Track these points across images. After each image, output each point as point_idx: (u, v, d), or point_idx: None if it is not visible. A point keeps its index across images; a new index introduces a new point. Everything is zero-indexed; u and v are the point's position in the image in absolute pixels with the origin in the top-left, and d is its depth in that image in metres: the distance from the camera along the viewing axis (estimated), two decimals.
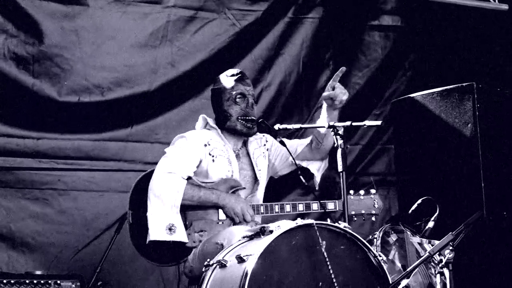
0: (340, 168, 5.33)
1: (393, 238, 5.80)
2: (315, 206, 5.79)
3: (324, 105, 5.84)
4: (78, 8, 7.01)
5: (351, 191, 5.89)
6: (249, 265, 4.52)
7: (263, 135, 6.12)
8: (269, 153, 6.06)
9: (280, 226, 4.77)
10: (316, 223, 4.74)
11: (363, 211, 5.92)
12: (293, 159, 5.78)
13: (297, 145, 6.09)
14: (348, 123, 5.49)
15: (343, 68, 5.77)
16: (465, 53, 8.06)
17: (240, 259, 4.64)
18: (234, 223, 5.64)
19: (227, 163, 5.77)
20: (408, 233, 5.77)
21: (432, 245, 5.36)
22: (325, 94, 5.78)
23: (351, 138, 7.82)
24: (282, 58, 7.83)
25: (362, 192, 5.95)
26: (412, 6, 8.14)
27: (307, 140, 6.10)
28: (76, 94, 7.03)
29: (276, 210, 5.74)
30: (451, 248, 4.83)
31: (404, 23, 8.24)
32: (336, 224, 4.83)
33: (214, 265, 4.85)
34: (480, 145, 6.34)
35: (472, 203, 6.23)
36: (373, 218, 5.98)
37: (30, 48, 6.86)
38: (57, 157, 6.98)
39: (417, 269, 5.08)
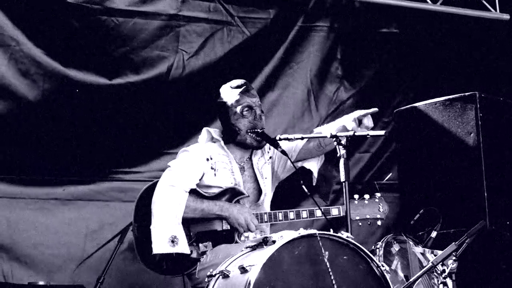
0: (342, 178, 5.32)
1: (395, 248, 5.79)
2: (318, 213, 5.74)
3: (345, 119, 5.80)
4: None
5: (356, 196, 5.84)
6: (252, 275, 4.52)
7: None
8: (272, 161, 6.04)
9: (283, 236, 4.78)
10: (319, 233, 4.74)
11: (368, 216, 5.86)
12: (298, 172, 5.72)
13: (293, 147, 6.02)
14: (351, 133, 5.48)
15: (376, 109, 5.73)
16: (468, 63, 8.06)
17: (243, 269, 4.63)
18: (239, 233, 5.63)
19: (230, 175, 5.77)
20: (411, 243, 5.76)
21: (435, 255, 5.35)
22: (358, 114, 5.76)
23: (361, 146, 7.84)
24: (291, 67, 7.85)
25: (366, 196, 5.91)
26: (415, 15, 8.12)
27: (304, 140, 6.03)
28: None
29: (280, 218, 5.71)
30: (454, 258, 4.83)
31: (408, 32, 8.23)
32: (339, 234, 4.82)
33: (217, 275, 4.84)
34: (483, 155, 6.30)
35: (475, 213, 6.21)
36: (379, 223, 5.92)
37: None
38: (62, 167, 6.98)
39: (420, 279, 5.07)
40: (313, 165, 6.03)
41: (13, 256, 6.77)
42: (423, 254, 5.66)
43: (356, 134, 5.47)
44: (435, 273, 5.29)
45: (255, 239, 5.00)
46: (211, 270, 4.95)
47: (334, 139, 5.46)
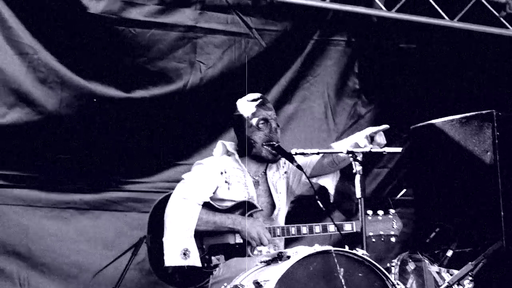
0: (358, 195, 5.28)
1: (411, 266, 5.75)
2: (332, 228, 5.69)
3: (357, 136, 5.73)
4: None
5: (369, 212, 5.79)
6: None
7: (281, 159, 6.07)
8: (287, 176, 6.01)
9: (298, 252, 4.74)
10: (334, 250, 4.72)
11: (381, 232, 5.81)
12: (312, 187, 5.66)
13: (309, 162, 5.98)
14: (367, 149, 5.44)
15: (387, 126, 5.67)
16: (485, 80, 8.04)
17: (258, 285, 4.61)
18: (252, 247, 5.61)
19: (244, 189, 5.74)
20: (426, 261, 5.72)
21: (451, 275, 5.34)
22: (370, 131, 5.67)
23: (379, 161, 7.84)
24: (308, 80, 7.85)
25: (380, 212, 5.86)
26: (433, 31, 8.11)
27: (319, 156, 5.95)
28: None
29: (293, 232, 5.68)
30: (470, 278, 4.80)
31: (426, 48, 8.22)
32: (354, 251, 4.79)
33: None
34: (499, 173, 6.30)
35: (492, 232, 6.18)
36: (393, 239, 5.86)
37: None
38: (78, 176, 7.01)
39: None
40: (328, 182, 6.00)
41: (30, 264, 6.77)
42: (438, 273, 5.62)
43: (372, 150, 5.42)
44: None
45: (270, 254, 4.97)
46: (225, 284, 4.93)
47: (350, 155, 5.41)
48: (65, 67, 6.93)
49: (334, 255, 4.70)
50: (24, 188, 6.83)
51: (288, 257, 4.72)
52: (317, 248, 4.73)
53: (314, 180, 5.91)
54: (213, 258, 5.52)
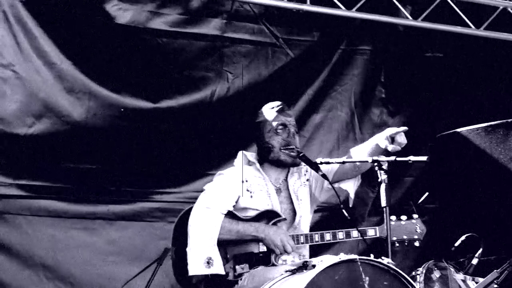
0: (383, 203, 5.29)
1: (436, 274, 5.76)
2: (355, 233, 5.68)
3: (378, 138, 5.77)
4: None
5: (393, 217, 5.77)
6: None
7: (304, 165, 6.09)
8: (309, 183, 6.03)
9: (323, 261, 4.77)
10: (360, 259, 4.73)
11: (404, 237, 5.78)
12: (337, 195, 5.69)
13: (330, 168, 5.96)
14: (392, 158, 5.45)
15: (406, 128, 5.69)
16: (510, 89, 8.03)
17: None
18: (276, 255, 5.64)
19: (267, 197, 5.76)
20: (452, 269, 5.73)
21: (476, 283, 5.34)
22: (390, 132, 5.71)
23: (409, 169, 7.87)
24: (335, 89, 7.89)
25: (403, 217, 5.85)
26: (460, 40, 8.12)
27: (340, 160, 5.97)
28: None
29: (316, 239, 5.68)
30: (496, 286, 4.80)
31: (452, 56, 8.23)
32: (380, 260, 4.82)
33: None
34: None
35: None
36: (416, 244, 5.85)
37: None
38: (105, 187, 7.07)
39: None
40: (350, 186, 6.02)
41: (58, 276, 6.83)
42: (464, 281, 5.63)
43: (397, 159, 5.44)
44: None
45: (295, 263, 5.00)
46: None
47: (376, 164, 5.43)
48: (90, 79, 6.99)
49: (359, 263, 4.71)
50: (52, 199, 6.89)
51: (313, 266, 4.75)
52: (342, 256, 4.76)
53: (336, 185, 5.94)
54: (237, 267, 5.54)
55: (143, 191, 7.19)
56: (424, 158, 5.54)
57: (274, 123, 5.79)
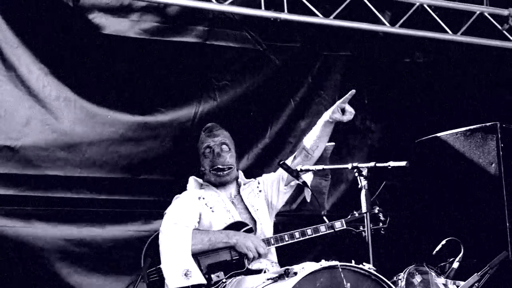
0: (364, 209, 5.33)
1: (417, 279, 5.77)
2: (323, 228, 5.85)
3: (323, 120, 5.98)
4: None
5: (355, 212, 5.94)
6: None
7: (255, 179, 6.20)
8: (264, 193, 6.13)
9: (305, 268, 4.79)
10: (341, 265, 4.76)
11: (371, 225, 5.86)
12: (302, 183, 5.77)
13: (281, 171, 6.09)
14: (372, 164, 5.48)
15: (353, 91, 5.86)
16: (489, 93, 8.08)
17: None
18: (248, 259, 5.68)
19: (226, 211, 5.87)
20: (433, 274, 5.74)
21: (457, 286, 5.36)
22: (339, 103, 5.93)
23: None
24: (319, 94, 7.92)
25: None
26: (438, 46, 8.17)
27: (289, 159, 6.14)
28: None
29: (286, 239, 5.81)
30: None
31: (432, 62, 8.28)
32: (361, 266, 4.84)
33: None
34: (504, 185, 6.35)
35: (497, 243, 6.22)
36: (382, 232, 5.96)
37: None
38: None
39: None
40: (307, 178, 6.10)
41: None
42: (445, 285, 5.64)
43: (377, 165, 5.47)
44: None
45: (277, 271, 5.01)
46: None
47: (356, 170, 5.47)
48: (73, 91, 6.95)
49: (340, 270, 4.74)
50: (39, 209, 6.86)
51: (295, 273, 4.77)
52: (324, 263, 4.78)
53: (292, 183, 6.10)
54: (212, 276, 5.57)
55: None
56: (403, 163, 5.55)
57: (202, 147, 6.02)
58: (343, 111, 5.95)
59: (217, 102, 7.51)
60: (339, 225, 5.91)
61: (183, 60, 7.41)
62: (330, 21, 7.52)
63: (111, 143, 7.07)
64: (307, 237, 5.83)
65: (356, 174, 5.45)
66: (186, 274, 5.40)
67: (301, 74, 7.92)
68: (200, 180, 6.08)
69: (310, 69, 7.94)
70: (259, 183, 6.15)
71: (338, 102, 5.95)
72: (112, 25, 7.14)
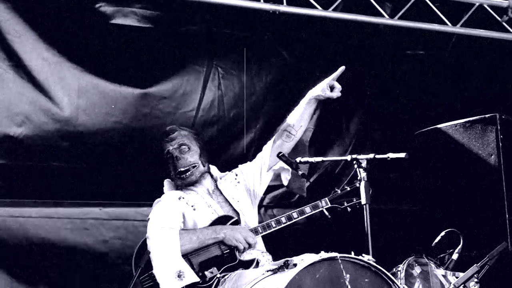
0: (363, 201, 5.34)
1: (417, 270, 5.78)
2: (308, 209, 5.87)
3: (307, 98, 5.98)
4: None
5: (337, 189, 5.99)
6: None
7: (232, 172, 6.22)
8: (245, 184, 6.14)
9: (304, 259, 4.79)
10: (340, 256, 4.76)
11: (354, 199, 5.89)
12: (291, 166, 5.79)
13: (261, 156, 6.15)
14: (371, 155, 5.49)
15: (343, 68, 5.86)
16: (489, 84, 8.08)
17: None
18: (239, 251, 5.70)
19: (207, 207, 5.87)
20: (432, 265, 5.75)
21: (457, 277, 5.36)
22: (328, 81, 5.91)
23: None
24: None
25: (347, 187, 5.97)
26: (440, 38, 8.16)
27: (269, 144, 6.14)
28: None
29: (274, 225, 5.82)
30: (476, 280, 4.82)
31: (433, 54, 8.27)
32: (360, 257, 4.84)
33: None
34: (504, 176, 6.35)
35: (497, 234, 6.23)
36: (357, 206, 5.89)
37: None
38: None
39: None
40: (284, 165, 6.10)
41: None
42: (444, 276, 5.65)
43: (376, 156, 5.48)
44: None
45: (276, 262, 5.02)
46: None
47: (355, 162, 5.48)
48: (79, 67, 6.99)
49: (340, 261, 4.75)
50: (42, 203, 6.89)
51: (295, 265, 4.77)
52: (323, 255, 4.79)
53: (271, 171, 6.13)
54: (206, 273, 5.58)
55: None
56: (402, 154, 5.57)
57: (164, 154, 6.00)
58: (331, 88, 5.93)
59: (222, 91, 7.50)
60: (323, 203, 5.92)
61: (187, 48, 7.41)
62: (329, 14, 7.50)
63: (115, 133, 7.08)
64: (294, 220, 5.85)
65: (356, 166, 5.47)
66: (179, 276, 5.40)
67: (311, 66, 7.89)
68: (176, 182, 6.07)
69: (319, 61, 7.91)
70: (236, 174, 6.16)
71: (327, 79, 5.94)
72: (117, 14, 7.13)
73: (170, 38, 7.34)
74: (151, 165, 7.08)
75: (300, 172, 5.66)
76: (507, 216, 6.26)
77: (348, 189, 5.96)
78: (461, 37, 8.08)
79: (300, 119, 6.03)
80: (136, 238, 6.96)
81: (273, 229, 5.82)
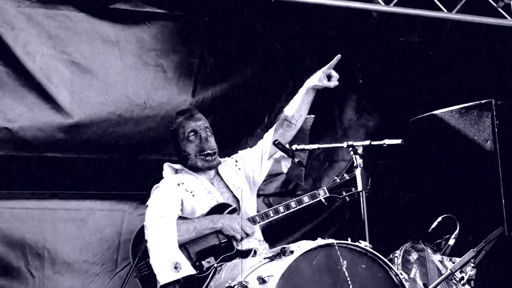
0: (360, 187, 5.34)
1: (414, 256, 5.79)
2: (306, 199, 5.87)
3: (305, 88, 5.96)
4: None
5: (336, 177, 5.99)
6: (271, 286, 4.56)
7: (231, 158, 6.21)
8: (244, 171, 6.14)
9: (301, 246, 4.80)
10: (337, 243, 4.77)
11: (353, 189, 5.86)
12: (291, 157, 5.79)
13: (262, 144, 6.15)
14: (367, 142, 5.50)
15: (339, 56, 5.84)
16: (484, 70, 8.07)
17: (262, 280, 4.67)
18: (237, 241, 5.70)
19: (207, 193, 5.87)
20: (429, 251, 5.77)
21: (453, 263, 5.38)
22: (324, 69, 5.89)
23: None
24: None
25: (345, 175, 5.97)
26: (434, 24, 8.14)
27: (270, 132, 6.12)
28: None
29: (272, 215, 5.83)
30: (472, 265, 4.84)
31: (427, 41, 8.26)
32: (357, 244, 4.85)
33: (236, 286, 4.86)
34: (500, 162, 6.35)
35: (493, 219, 6.24)
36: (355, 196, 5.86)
37: None
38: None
39: (439, 287, 5.08)
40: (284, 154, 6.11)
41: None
42: (441, 261, 5.66)
43: (372, 143, 5.48)
44: (453, 280, 5.29)
45: (273, 250, 5.03)
46: (229, 282, 4.99)
47: (351, 148, 5.49)
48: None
49: (336, 247, 4.76)
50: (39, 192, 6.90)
51: (292, 252, 4.78)
52: (320, 241, 4.80)
53: (277, 155, 6.11)
54: (203, 262, 5.58)
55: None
56: (398, 141, 5.58)
57: (185, 131, 5.93)
58: (328, 77, 5.91)
59: (215, 81, 7.49)
60: (322, 193, 5.91)
61: (179, 36, 7.38)
62: (323, 0, 7.47)
63: (110, 123, 7.05)
64: (292, 210, 5.85)
65: (352, 153, 5.47)
66: (175, 267, 5.39)
67: (300, 55, 7.87)
68: (176, 166, 6.05)
69: (307, 49, 7.89)
70: (236, 161, 6.15)
71: (324, 69, 5.92)
72: None
73: (164, 26, 7.31)
74: (146, 155, 7.15)
75: (296, 160, 5.65)
76: (503, 201, 6.26)
77: (347, 177, 5.94)
78: (456, 24, 8.04)
79: (299, 108, 6.01)
80: (131, 228, 7.03)
81: (271, 219, 5.83)
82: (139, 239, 5.67)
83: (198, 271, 5.54)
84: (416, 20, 8.08)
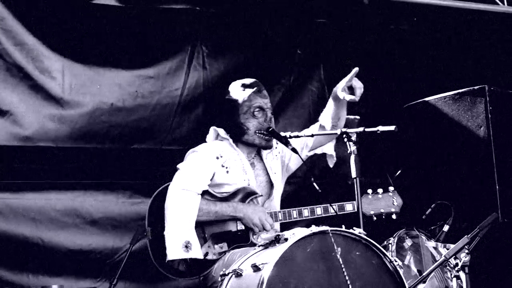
0: (353, 174, 5.32)
1: (408, 243, 5.80)
2: (331, 210, 5.75)
3: (332, 98, 5.84)
4: None
5: (369, 190, 5.86)
6: (265, 273, 4.54)
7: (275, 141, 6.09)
8: (281, 155, 6.05)
9: (295, 234, 4.78)
10: (331, 230, 4.76)
11: (382, 210, 5.84)
12: (306, 165, 5.74)
13: (306, 139, 6.02)
14: (361, 129, 5.47)
15: (357, 69, 5.72)
16: (477, 57, 8.07)
17: (256, 268, 4.66)
18: (254, 233, 5.65)
19: (242, 172, 5.76)
20: (423, 237, 5.78)
21: (448, 249, 5.37)
22: (344, 83, 5.75)
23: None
24: (304, 64, 7.94)
25: (380, 190, 5.89)
26: (424, 11, 8.13)
27: (315, 127, 6.03)
28: None
29: (294, 215, 5.73)
30: (466, 251, 4.83)
31: (418, 28, 8.24)
32: (351, 230, 4.84)
33: (230, 274, 4.87)
34: (493, 148, 6.35)
35: (487, 205, 6.24)
36: (393, 216, 5.86)
37: None
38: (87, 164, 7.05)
39: (433, 273, 5.09)
40: (330, 148, 6.07)
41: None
42: (435, 248, 5.67)
43: (366, 130, 5.46)
44: (448, 267, 5.31)
45: (267, 237, 5.01)
46: (223, 269, 4.98)
47: (345, 135, 5.46)
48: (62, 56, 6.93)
49: (331, 235, 4.74)
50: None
51: (286, 239, 4.77)
52: (314, 229, 4.77)
53: (318, 150, 6.03)
54: (216, 246, 5.55)
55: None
56: (392, 127, 5.55)
57: (252, 105, 5.77)
58: (350, 89, 5.75)
59: (207, 70, 7.46)
60: (350, 207, 5.78)
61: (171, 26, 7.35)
62: None
63: (102, 112, 7.01)
64: (316, 216, 5.75)
65: (345, 140, 5.45)
66: (186, 246, 5.35)
67: (291, 42, 7.85)
68: (222, 132, 5.86)
69: (299, 37, 7.88)
70: (277, 143, 5.94)
71: (343, 83, 5.76)
72: None
73: (153, 17, 7.26)
74: (139, 144, 7.13)
75: (290, 147, 5.62)
76: (497, 187, 6.26)
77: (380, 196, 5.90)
78: (448, 10, 8.02)
79: (334, 115, 5.88)
80: (126, 217, 7.02)
81: (292, 219, 5.75)
82: (158, 201, 5.62)
83: (208, 254, 5.52)
84: (407, 7, 8.06)
